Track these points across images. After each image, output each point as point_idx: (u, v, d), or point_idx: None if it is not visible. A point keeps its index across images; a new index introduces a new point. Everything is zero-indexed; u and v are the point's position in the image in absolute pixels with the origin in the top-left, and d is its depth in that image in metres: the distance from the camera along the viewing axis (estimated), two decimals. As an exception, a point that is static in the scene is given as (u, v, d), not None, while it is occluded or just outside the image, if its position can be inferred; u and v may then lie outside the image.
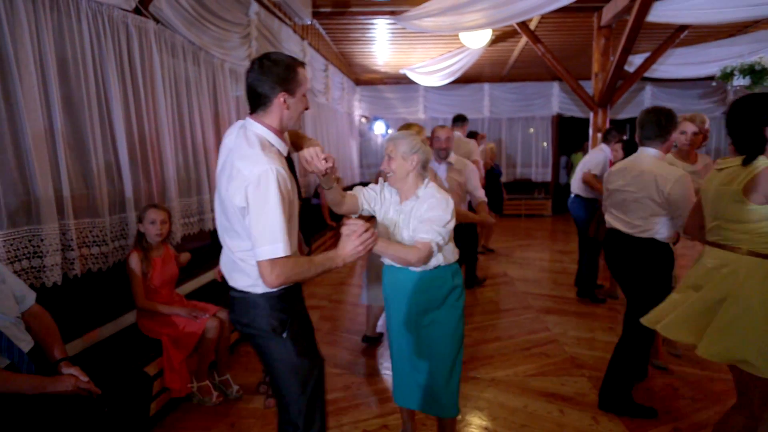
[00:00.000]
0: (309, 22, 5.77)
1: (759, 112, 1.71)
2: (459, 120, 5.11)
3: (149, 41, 2.97)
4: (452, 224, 1.85)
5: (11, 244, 2.10)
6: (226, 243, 1.55)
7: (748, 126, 1.73)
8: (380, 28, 6.54)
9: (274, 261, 1.40)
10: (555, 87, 9.71)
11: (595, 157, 4.38)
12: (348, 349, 3.44)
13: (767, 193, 1.65)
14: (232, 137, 1.53)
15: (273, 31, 4.78)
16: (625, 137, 4.54)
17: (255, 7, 4.27)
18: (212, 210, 3.24)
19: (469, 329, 3.78)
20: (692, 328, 1.78)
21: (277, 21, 4.91)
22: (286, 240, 1.40)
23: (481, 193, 3.36)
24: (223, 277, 1.66)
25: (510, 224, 8.72)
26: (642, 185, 2.39)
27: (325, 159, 1.64)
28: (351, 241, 1.49)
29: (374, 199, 2.00)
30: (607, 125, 6.21)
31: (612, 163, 4.28)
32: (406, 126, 2.83)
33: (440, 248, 1.86)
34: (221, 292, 2.14)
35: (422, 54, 7.87)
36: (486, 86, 9.87)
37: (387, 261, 2.00)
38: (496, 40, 6.94)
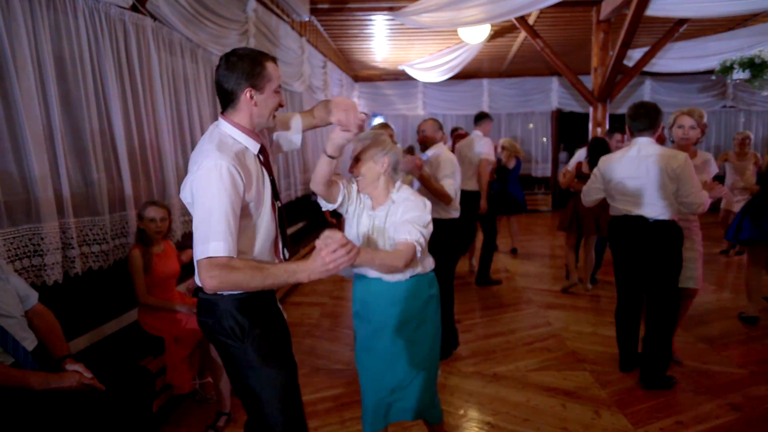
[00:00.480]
0: (307, 19, 5.75)
1: None
2: (479, 118, 4.86)
3: (147, 39, 2.95)
4: (431, 226, 1.75)
5: (11, 243, 2.10)
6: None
7: None
8: (378, 24, 6.51)
9: (210, 261, 1.30)
10: (554, 82, 9.69)
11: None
12: (349, 345, 3.44)
13: None
14: (205, 135, 1.50)
15: (271, 27, 4.76)
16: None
17: (252, 3, 4.25)
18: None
19: (470, 324, 3.78)
20: None
21: (274, 18, 4.89)
22: (224, 239, 1.30)
23: (448, 183, 3.13)
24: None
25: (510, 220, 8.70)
26: (654, 168, 2.57)
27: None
28: (321, 257, 1.27)
29: (353, 198, 1.82)
30: (607, 120, 6.20)
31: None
32: (381, 126, 2.76)
33: (423, 250, 1.71)
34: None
35: (421, 50, 7.84)
36: (485, 82, 9.85)
37: (357, 271, 1.85)
38: (495, 35, 6.92)
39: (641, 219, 2.65)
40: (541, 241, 7.10)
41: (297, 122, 1.74)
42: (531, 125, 10.17)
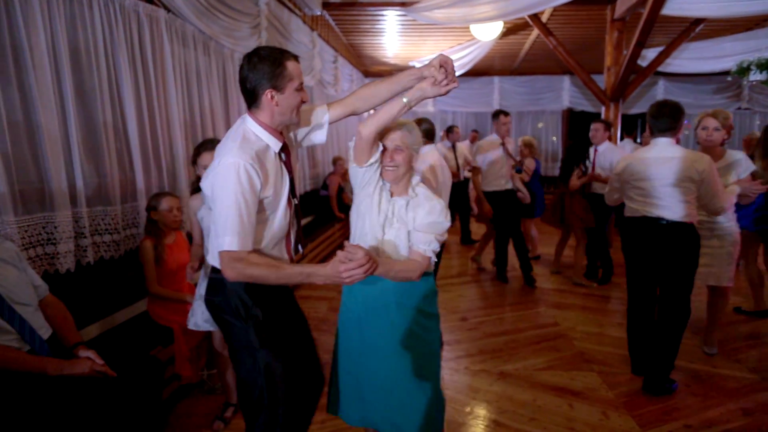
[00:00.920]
0: (319, 13, 5.74)
1: None
2: (495, 115, 4.68)
3: (160, 30, 2.97)
4: (446, 234, 1.72)
5: (26, 231, 2.13)
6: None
7: None
8: (390, 19, 6.49)
9: (229, 254, 1.39)
10: (566, 81, 9.61)
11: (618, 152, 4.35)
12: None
13: None
14: (231, 129, 1.55)
15: (283, 21, 4.76)
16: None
17: (265, -3, 4.26)
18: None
19: (477, 322, 3.78)
20: None
21: (286, 11, 4.89)
22: (238, 234, 1.38)
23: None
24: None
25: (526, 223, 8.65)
26: (676, 170, 2.53)
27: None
28: (338, 269, 1.36)
29: (376, 176, 1.67)
30: (619, 120, 6.14)
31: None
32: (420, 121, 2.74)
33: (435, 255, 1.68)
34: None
35: (432, 46, 7.80)
36: (496, 79, 9.79)
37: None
38: (507, 32, 6.86)
39: (659, 221, 2.61)
40: (549, 240, 7.05)
41: (323, 116, 1.69)
42: (541, 124, 10.10)
